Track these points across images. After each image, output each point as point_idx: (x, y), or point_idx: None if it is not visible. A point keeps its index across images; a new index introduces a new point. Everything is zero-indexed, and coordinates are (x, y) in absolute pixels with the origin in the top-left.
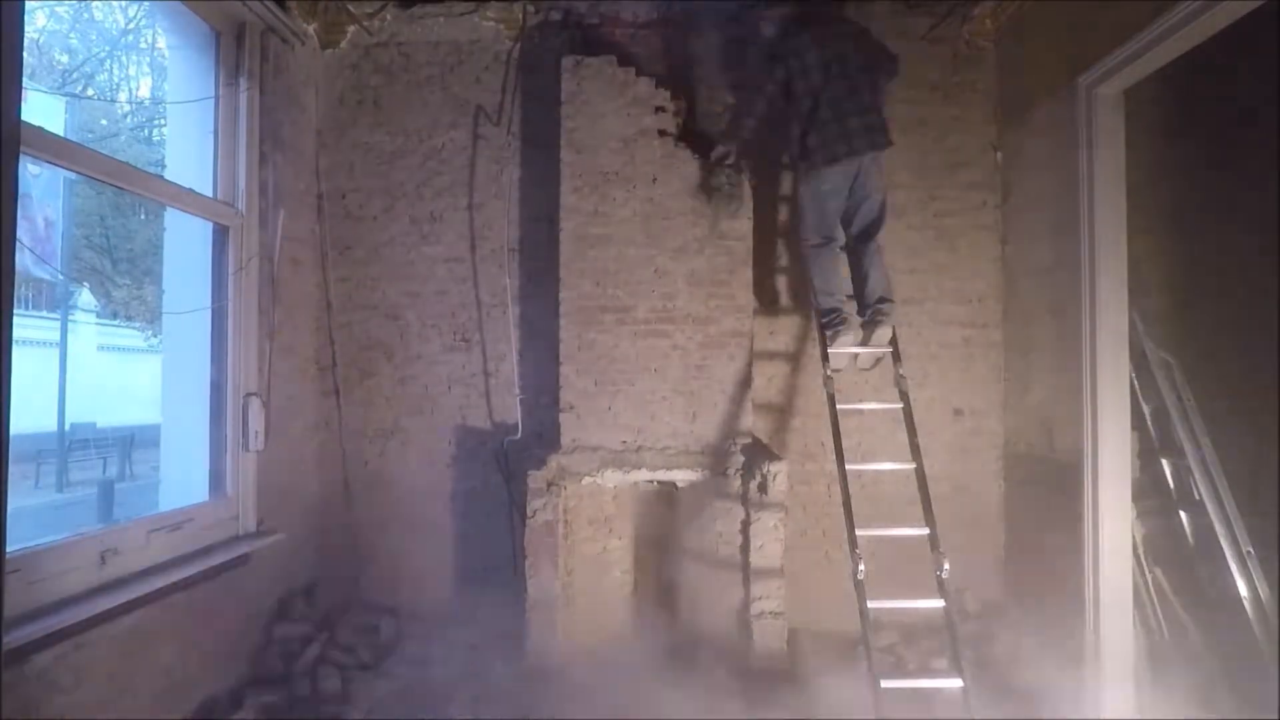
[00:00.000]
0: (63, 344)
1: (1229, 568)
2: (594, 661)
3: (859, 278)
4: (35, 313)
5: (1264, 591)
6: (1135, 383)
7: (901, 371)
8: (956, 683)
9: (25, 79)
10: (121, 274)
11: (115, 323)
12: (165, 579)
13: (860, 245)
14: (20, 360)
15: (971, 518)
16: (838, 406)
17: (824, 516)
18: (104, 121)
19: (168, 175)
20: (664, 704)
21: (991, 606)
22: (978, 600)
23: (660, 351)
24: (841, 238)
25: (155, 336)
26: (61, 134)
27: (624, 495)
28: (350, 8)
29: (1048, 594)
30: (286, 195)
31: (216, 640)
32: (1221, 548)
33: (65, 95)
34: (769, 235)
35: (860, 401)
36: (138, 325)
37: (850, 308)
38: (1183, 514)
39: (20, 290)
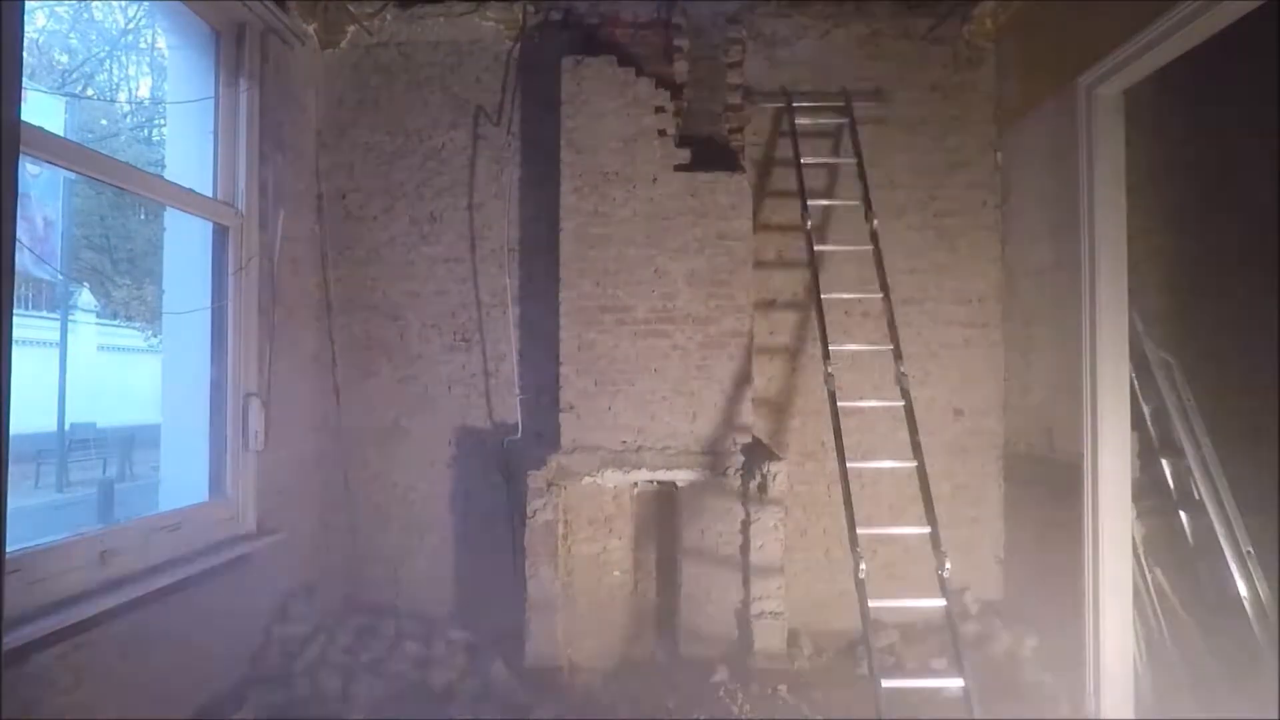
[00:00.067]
0: (63, 344)
1: (1229, 568)
2: (594, 661)
3: None
4: (35, 313)
5: (1264, 591)
6: (1135, 383)
7: (903, 369)
8: (958, 682)
9: (25, 79)
10: (121, 274)
11: (115, 323)
12: (165, 579)
13: None
14: (20, 360)
15: (971, 518)
16: (838, 404)
17: (824, 516)
18: (104, 121)
19: (168, 175)
20: (664, 704)
21: (991, 606)
22: (978, 600)
23: (660, 351)
24: None
25: (155, 336)
26: (61, 134)
27: (624, 495)
28: (350, 8)
29: (1048, 594)
30: (286, 195)
31: (216, 640)
32: (1221, 548)
33: (65, 95)
34: (769, 235)
35: (860, 399)
36: (138, 325)
37: None
38: (1183, 514)
39: (20, 290)
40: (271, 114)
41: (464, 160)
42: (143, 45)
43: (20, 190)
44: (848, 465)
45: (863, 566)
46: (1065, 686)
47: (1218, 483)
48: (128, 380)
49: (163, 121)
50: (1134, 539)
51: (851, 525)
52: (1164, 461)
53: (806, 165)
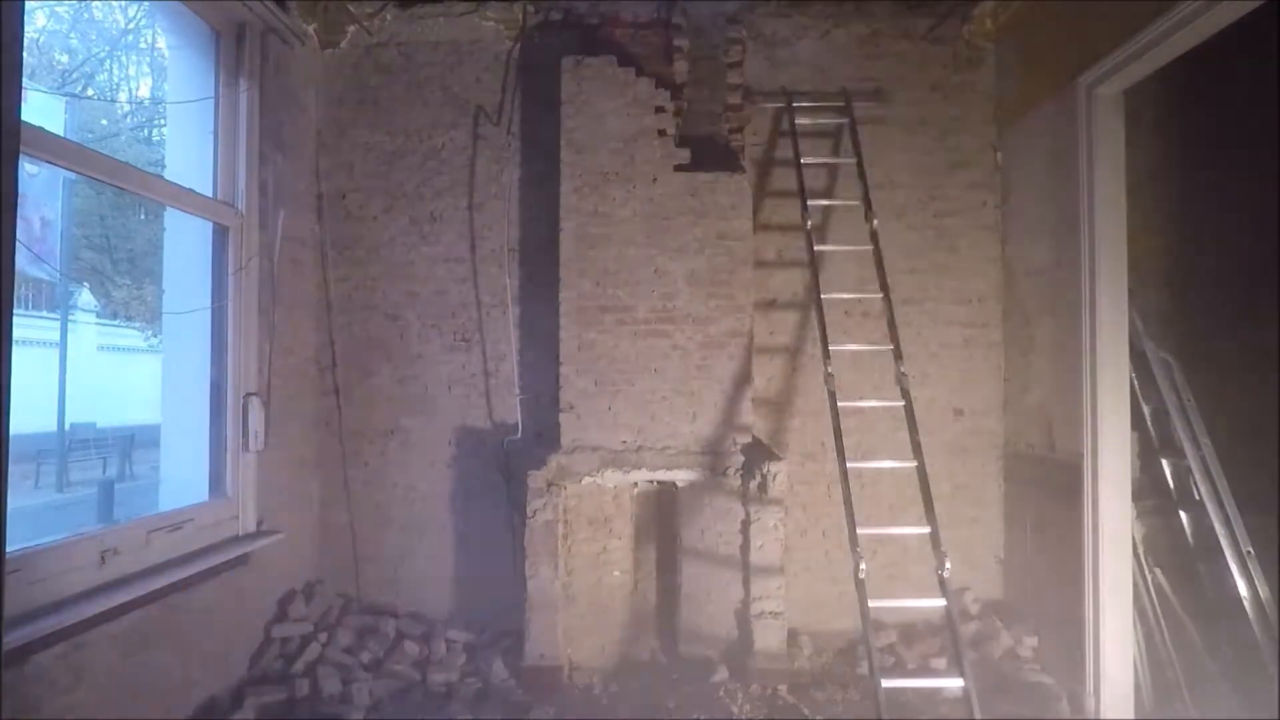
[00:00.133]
0: (63, 344)
1: (1229, 568)
2: (594, 661)
3: None
4: (35, 313)
5: (1264, 591)
6: (1135, 383)
7: (903, 369)
8: (958, 682)
9: (25, 79)
10: (121, 274)
11: (115, 323)
12: (165, 579)
13: None
14: (20, 360)
15: (971, 518)
16: (839, 404)
17: (824, 516)
18: (104, 121)
19: (167, 175)
20: (664, 704)
21: (991, 606)
22: (978, 600)
23: (660, 351)
24: None
25: (155, 336)
26: (61, 134)
27: (624, 495)
28: (350, 8)
29: (1047, 594)
30: (286, 195)
31: (216, 640)
32: (1221, 548)
33: (65, 95)
34: (769, 235)
35: (860, 399)
36: (138, 325)
37: None
38: (1183, 514)
39: (20, 290)
40: (271, 114)
41: (464, 160)
42: (143, 45)
43: (19, 190)
44: (848, 465)
45: (863, 566)
46: (1065, 686)
47: (1218, 483)
48: (128, 380)
49: (163, 121)
50: (1134, 539)
51: (851, 525)
52: (1164, 461)
53: (806, 165)
